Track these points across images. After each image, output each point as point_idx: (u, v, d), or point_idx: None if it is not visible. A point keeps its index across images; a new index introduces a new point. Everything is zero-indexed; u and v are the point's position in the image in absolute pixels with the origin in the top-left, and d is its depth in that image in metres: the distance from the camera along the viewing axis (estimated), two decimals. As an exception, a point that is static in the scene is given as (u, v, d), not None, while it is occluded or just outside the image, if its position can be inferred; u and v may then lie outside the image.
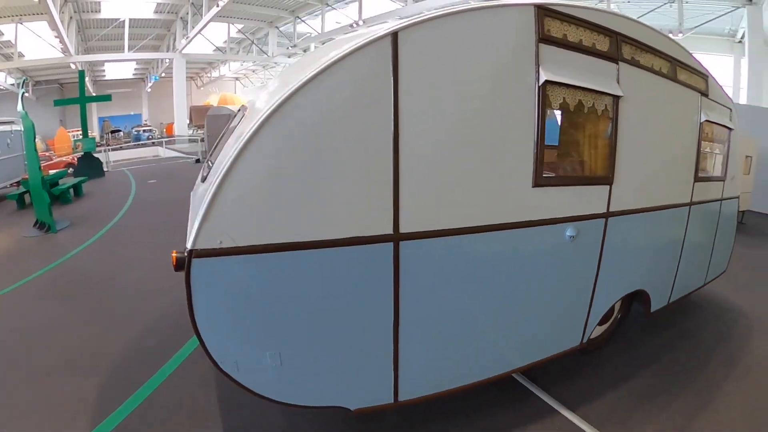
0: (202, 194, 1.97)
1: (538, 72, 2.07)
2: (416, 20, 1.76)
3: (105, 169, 13.95)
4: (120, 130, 31.98)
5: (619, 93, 2.45)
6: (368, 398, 2.10)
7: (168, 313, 3.99)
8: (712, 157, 3.57)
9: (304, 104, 1.65)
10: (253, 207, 1.67)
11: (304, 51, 29.28)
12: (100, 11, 20.53)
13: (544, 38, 2.08)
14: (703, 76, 3.29)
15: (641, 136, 2.71)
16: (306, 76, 1.65)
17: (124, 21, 21.29)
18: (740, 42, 15.80)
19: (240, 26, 25.68)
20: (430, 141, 1.86)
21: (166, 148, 21.86)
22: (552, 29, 2.12)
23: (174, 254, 1.74)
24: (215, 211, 1.64)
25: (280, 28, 26.37)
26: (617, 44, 2.46)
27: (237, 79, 46.81)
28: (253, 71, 43.46)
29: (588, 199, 2.48)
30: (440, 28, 1.82)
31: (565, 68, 2.18)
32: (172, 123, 29.14)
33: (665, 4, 14.04)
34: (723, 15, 13.94)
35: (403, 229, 1.84)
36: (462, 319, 2.18)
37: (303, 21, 24.51)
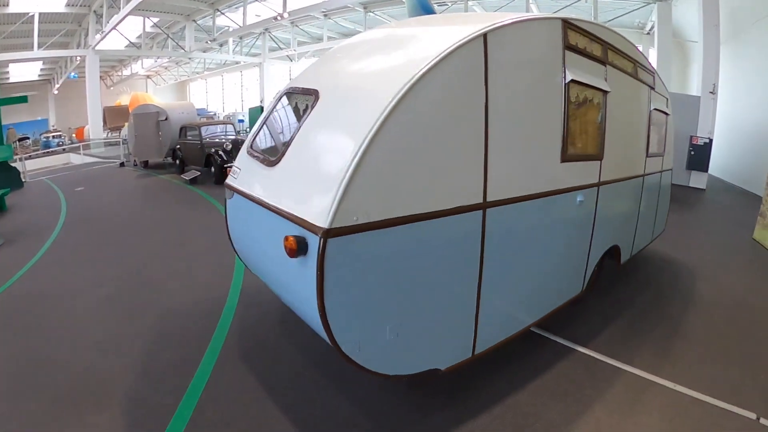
0: (284, 177, 2.16)
1: (564, 72, 2.61)
2: (499, 24, 2.15)
3: (23, 180, 12.47)
4: (27, 138, 28.22)
5: (608, 89, 3.09)
6: (454, 356, 2.40)
7: (167, 333, 3.56)
8: (656, 137, 4.45)
9: (418, 97, 1.89)
10: (381, 184, 1.82)
11: (221, 45, 28.03)
12: (8, 5, 17.98)
13: (568, 46, 2.61)
14: (652, 73, 4.12)
15: (617, 122, 3.39)
16: (419, 72, 1.90)
17: (33, 16, 18.84)
18: (648, 34, 18.27)
19: (156, 20, 23.93)
20: (505, 127, 2.28)
21: (83, 154, 19.81)
22: (571, 39, 2.66)
23: (290, 239, 1.80)
24: (352, 190, 1.72)
25: (198, 22, 25.05)
26: (605, 51, 3.10)
27: (149, 77, 43.30)
28: (166, 68, 40.55)
29: (588, 172, 3.10)
30: (514, 31, 2.25)
31: (579, 70, 2.74)
32: (83, 127, 26.33)
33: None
34: (635, 10, 16.07)
35: (490, 198, 2.24)
36: (519, 273, 2.65)
37: (223, 13, 23.52)
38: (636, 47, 3.76)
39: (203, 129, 11.36)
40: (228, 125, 12.31)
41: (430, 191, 2.01)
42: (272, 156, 2.41)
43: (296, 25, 27.69)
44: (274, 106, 2.86)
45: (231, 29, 25.74)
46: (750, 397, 2.63)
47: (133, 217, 7.95)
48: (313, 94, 2.34)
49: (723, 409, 2.55)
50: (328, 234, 1.71)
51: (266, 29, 28.25)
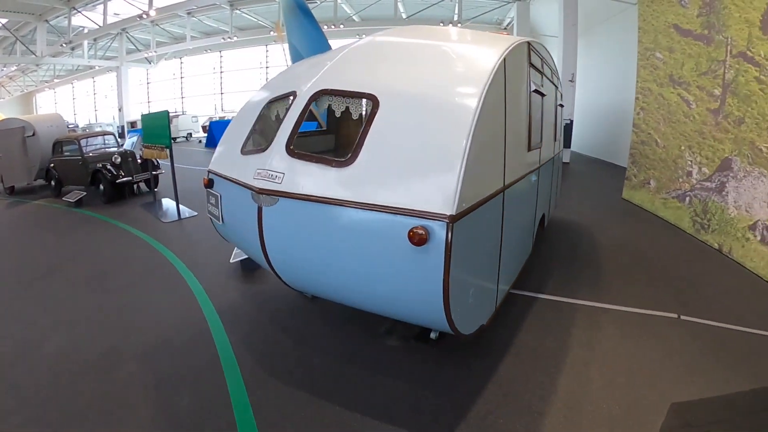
0: (370, 177, 2.26)
1: (529, 83, 3.38)
2: (512, 45, 2.84)
3: None
4: None
5: (545, 93, 4.00)
6: (489, 311, 2.83)
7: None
8: (558, 125, 5.66)
9: (486, 102, 2.34)
10: (474, 174, 2.19)
11: (73, 49, 24.00)
12: None
13: (529, 62, 3.38)
14: (557, 75, 5.25)
15: (546, 117, 4.37)
16: (488, 80, 2.38)
17: None
18: (506, 29, 20.99)
19: (3, 21, 19.54)
20: (510, 124, 2.86)
21: None
22: (531, 56, 3.45)
23: (419, 228, 1.99)
24: (464, 180, 2.07)
25: (51, 22, 21.22)
26: (542, 63, 3.99)
27: (-10, 89, 34.87)
28: (11, 78, 33.15)
29: (536, 157, 3.99)
30: (514, 51, 2.90)
31: (535, 80, 3.55)
32: None
33: (447, -2, 17.71)
34: (496, 8, 18.37)
35: (506, 181, 2.87)
36: (513, 239, 3.38)
37: (80, 12, 20.36)
38: (551, 56, 4.80)
39: (83, 142, 9.96)
40: (107, 136, 10.91)
41: (489, 178, 2.54)
42: (337, 156, 2.49)
43: (157, 24, 25.19)
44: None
45: (87, 30, 22.30)
46: (669, 303, 3.87)
47: (24, 257, 5.99)
48: (368, 98, 2.52)
49: (653, 315, 3.69)
50: (454, 220, 2.03)
51: (124, 29, 25.16)
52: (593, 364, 3.02)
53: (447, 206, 2.05)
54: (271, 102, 3.26)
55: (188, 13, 23.13)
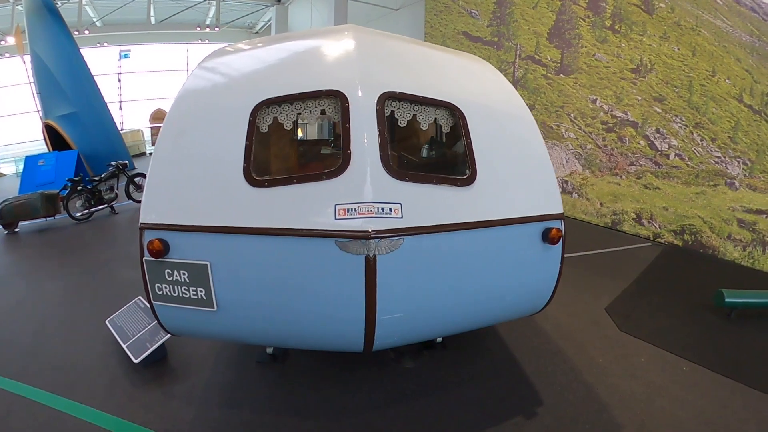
0: (487, 193, 2.16)
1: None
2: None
3: None
4: None
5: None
6: None
7: None
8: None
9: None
10: None
11: None
12: None
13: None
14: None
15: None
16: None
17: None
18: (257, 33, 20.59)
19: None
20: None
21: None
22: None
23: (554, 229, 2.20)
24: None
25: None
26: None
27: None
28: None
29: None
30: None
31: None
32: None
33: (203, 2, 16.08)
34: (254, 12, 17.73)
35: None
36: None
37: None
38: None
39: None
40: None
41: None
42: (458, 174, 2.21)
43: None
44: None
45: None
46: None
47: None
48: (449, 108, 2.29)
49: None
50: (564, 216, 2.29)
51: None
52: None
53: (558, 206, 2.32)
54: (271, 105, 2.18)
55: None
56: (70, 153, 9.51)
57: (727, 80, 4.70)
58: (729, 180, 4.82)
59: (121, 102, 18.45)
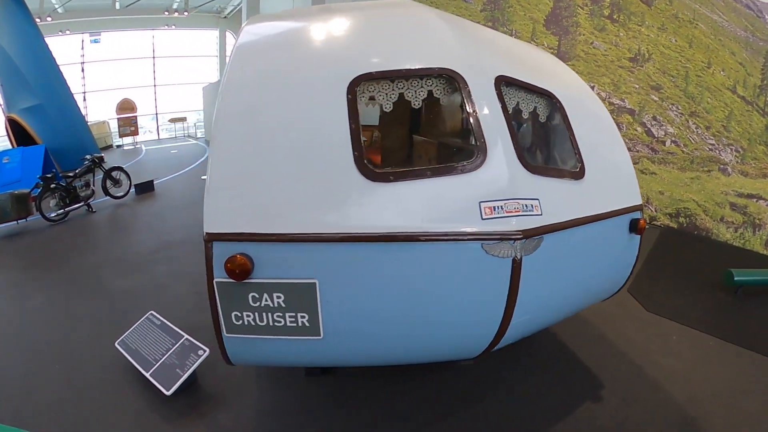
0: (594, 185, 2.10)
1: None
2: None
3: None
4: None
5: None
6: None
7: None
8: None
9: None
10: None
11: None
12: None
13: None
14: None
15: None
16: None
17: None
18: (226, 18, 19.69)
19: None
20: None
21: None
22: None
23: (641, 221, 2.23)
24: None
25: None
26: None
27: None
28: None
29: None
30: None
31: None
32: None
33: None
34: None
35: None
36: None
37: None
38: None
39: None
40: None
41: None
42: (569, 167, 2.12)
43: None
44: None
45: None
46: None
47: None
48: (548, 96, 2.24)
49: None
50: (641, 207, 2.33)
51: None
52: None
53: (638, 197, 2.38)
54: (368, 81, 1.84)
55: None
56: (36, 148, 8.78)
57: (721, 72, 4.99)
58: (722, 166, 5.14)
59: (84, 93, 17.32)
